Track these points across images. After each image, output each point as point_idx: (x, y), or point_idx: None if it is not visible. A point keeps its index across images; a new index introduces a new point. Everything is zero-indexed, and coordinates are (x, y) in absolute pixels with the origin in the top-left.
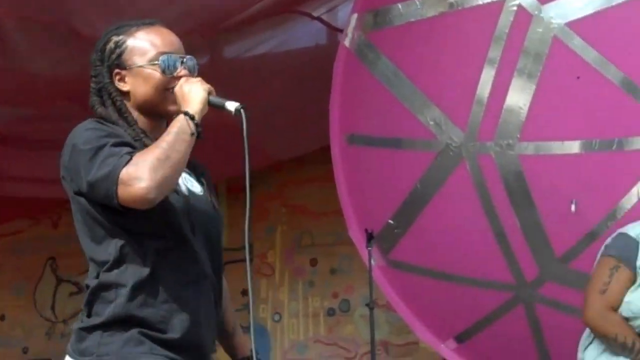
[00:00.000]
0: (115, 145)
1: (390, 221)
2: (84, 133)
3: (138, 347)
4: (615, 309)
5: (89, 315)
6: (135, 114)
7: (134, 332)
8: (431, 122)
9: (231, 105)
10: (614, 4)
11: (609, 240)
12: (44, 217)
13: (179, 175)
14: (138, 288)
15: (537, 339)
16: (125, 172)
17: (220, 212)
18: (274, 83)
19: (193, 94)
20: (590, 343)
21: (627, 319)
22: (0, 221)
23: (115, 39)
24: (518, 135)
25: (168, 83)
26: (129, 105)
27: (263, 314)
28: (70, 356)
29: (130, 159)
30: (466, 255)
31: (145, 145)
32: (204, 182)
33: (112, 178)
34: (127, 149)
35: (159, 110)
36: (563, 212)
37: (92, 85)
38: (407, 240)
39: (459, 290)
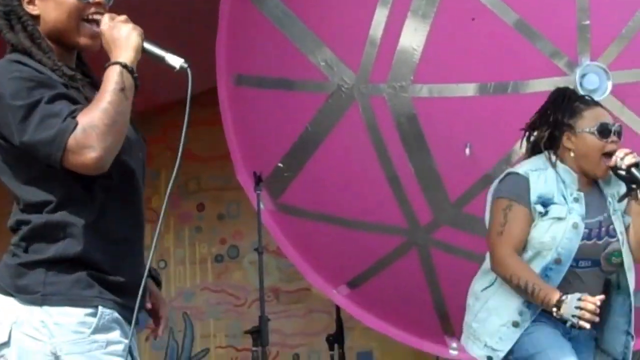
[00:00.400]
0: (50, 101)
1: (280, 164)
2: (9, 83)
3: (87, 289)
4: (516, 248)
5: (26, 251)
6: (48, 41)
7: (82, 273)
8: (322, 63)
9: (174, 60)
10: None
11: (497, 182)
12: None
13: (122, 136)
14: (88, 228)
15: (431, 283)
16: (74, 140)
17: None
18: (157, 21)
19: (125, 39)
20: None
21: (537, 253)
22: None
23: None
24: (411, 77)
25: (83, 10)
26: (40, 28)
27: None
28: (3, 292)
29: (74, 122)
30: (358, 200)
31: (65, 76)
32: None
33: (58, 144)
34: (65, 107)
35: (70, 41)
36: (457, 156)
37: None
38: (297, 184)
39: (351, 235)
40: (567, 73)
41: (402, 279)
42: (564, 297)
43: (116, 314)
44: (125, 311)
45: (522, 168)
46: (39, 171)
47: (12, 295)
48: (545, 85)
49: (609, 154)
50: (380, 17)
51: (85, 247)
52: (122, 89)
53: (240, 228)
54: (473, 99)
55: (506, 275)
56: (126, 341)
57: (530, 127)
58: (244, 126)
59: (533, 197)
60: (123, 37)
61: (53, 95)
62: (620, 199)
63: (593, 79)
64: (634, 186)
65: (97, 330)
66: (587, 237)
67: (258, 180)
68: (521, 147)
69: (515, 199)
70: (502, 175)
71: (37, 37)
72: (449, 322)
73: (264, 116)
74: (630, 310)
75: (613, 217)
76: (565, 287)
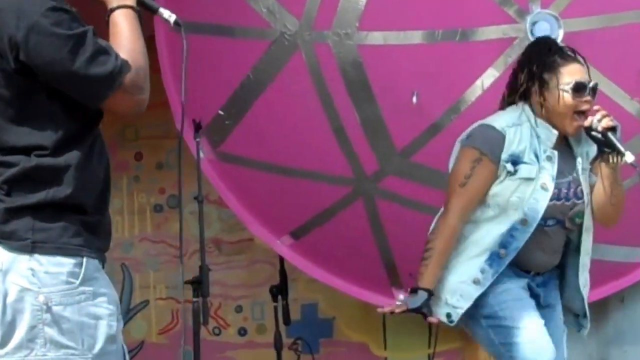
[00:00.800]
0: (95, 35)
1: (220, 112)
2: (48, 13)
3: (76, 238)
4: (472, 204)
5: (9, 195)
6: None
7: (69, 219)
8: (264, 10)
9: (167, 15)
10: None
11: (471, 129)
12: None
13: None
14: (79, 170)
15: (378, 234)
16: (130, 80)
17: None
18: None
19: None
20: None
21: (502, 212)
22: None
23: None
24: (357, 24)
25: None
26: None
27: None
28: None
29: (123, 61)
30: (302, 148)
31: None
32: None
33: (112, 82)
34: (108, 45)
35: None
36: (404, 105)
37: None
38: (238, 132)
39: (295, 184)
40: (518, 21)
41: (348, 229)
42: (422, 290)
43: (97, 262)
44: (102, 254)
45: (498, 122)
46: (38, 109)
47: None
48: (494, 32)
49: (581, 112)
50: None
51: (75, 190)
52: (137, 27)
53: (180, 177)
54: (420, 46)
55: (436, 228)
56: (108, 290)
57: (512, 76)
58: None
59: (505, 155)
60: None
61: (93, 30)
62: (592, 162)
63: (544, 27)
64: (606, 150)
65: (84, 281)
66: (557, 197)
67: (197, 128)
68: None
69: (488, 154)
70: (476, 125)
71: None
72: (396, 274)
73: (204, 63)
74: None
75: (581, 178)
76: (533, 243)
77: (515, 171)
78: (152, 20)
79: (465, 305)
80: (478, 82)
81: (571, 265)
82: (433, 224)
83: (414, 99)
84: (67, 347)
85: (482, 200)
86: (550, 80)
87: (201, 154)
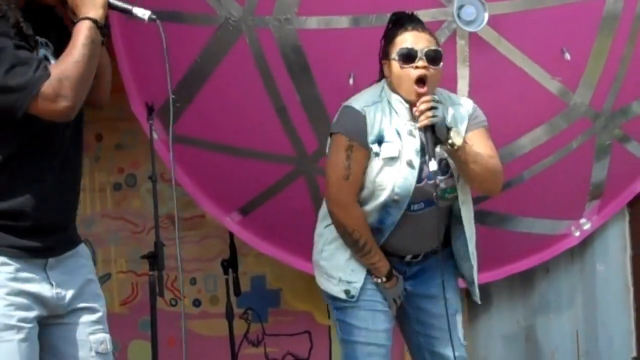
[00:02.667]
0: (15, 49)
1: (173, 96)
2: None
3: None
4: (359, 186)
5: None
6: None
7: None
8: None
9: (142, 13)
10: None
11: (338, 113)
12: None
13: (88, 87)
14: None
15: (319, 209)
16: (50, 88)
17: None
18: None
19: None
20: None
21: (372, 193)
22: None
23: None
24: (296, 10)
25: None
26: None
27: None
28: None
29: (47, 73)
30: (248, 129)
31: (10, 35)
32: None
33: (30, 91)
34: (34, 56)
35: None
36: (342, 86)
37: None
38: (188, 115)
39: (242, 163)
40: (445, 5)
41: (291, 205)
42: (395, 274)
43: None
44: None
45: (358, 101)
46: None
47: None
48: (423, 16)
49: (420, 80)
50: None
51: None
52: (93, 42)
53: (137, 158)
54: (355, 30)
55: (348, 228)
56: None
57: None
58: (136, 58)
59: (370, 137)
60: None
61: (16, 44)
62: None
63: (470, 11)
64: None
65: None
66: (419, 179)
67: (150, 110)
68: None
69: (356, 140)
70: (340, 108)
71: None
72: None
73: (155, 49)
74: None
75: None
76: (401, 229)
77: (380, 151)
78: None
79: (359, 278)
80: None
81: (458, 237)
82: (322, 212)
83: (351, 81)
84: None
85: None
86: (390, 52)
87: (155, 135)
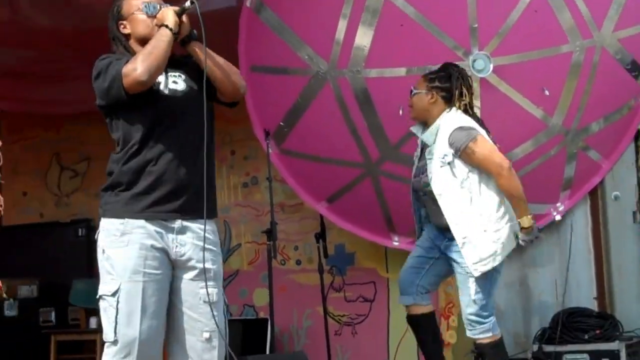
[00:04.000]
0: (117, 59)
1: (281, 123)
2: (96, 64)
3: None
4: None
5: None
6: (137, 49)
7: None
8: (306, 57)
9: (186, 3)
10: None
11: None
12: (50, 126)
13: (163, 63)
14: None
15: (380, 199)
16: (125, 68)
17: None
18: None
19: (165, 14)
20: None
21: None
22: (23, 129)
23: (117, 3)
24: (363, 64)
25: (151, 21)
26: (131, 42)
27: None
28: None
29: (127, 61)
30: (332, 145)
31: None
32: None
33: (118, 76)
34: (125, 59)
35: (148, 38)
36: (394, 115)
37: (109, 36)
38: (292, 136)
39: (327, 168)
40: (464, 59)
41: (361, 197)
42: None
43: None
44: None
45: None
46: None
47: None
48: None
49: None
50: (342, 26)
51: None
52: (160, 36)
53: (258, 165)
54: (404, 78)
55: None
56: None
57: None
58: (257, 99)
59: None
60: (163, 14)
61: (119, 58)
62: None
63: (481, 63)
64: None
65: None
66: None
67: (267, 134)
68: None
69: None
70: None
71: (128, 47)
72: (392, 224)
73: (270, 91)
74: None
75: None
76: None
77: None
78: (237, 64)
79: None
80: None
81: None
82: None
83: (400, 112)
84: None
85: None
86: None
87: (270, 150)
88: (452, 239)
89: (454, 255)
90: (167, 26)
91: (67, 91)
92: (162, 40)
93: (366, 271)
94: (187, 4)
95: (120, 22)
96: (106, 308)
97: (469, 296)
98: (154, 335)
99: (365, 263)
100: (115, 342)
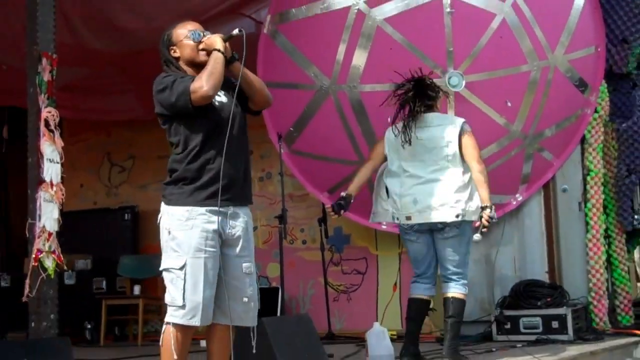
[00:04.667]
0: (181, 78)
1: (291, 128)
2: (159, 79)
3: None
4: None
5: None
6: (186, 69)
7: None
8: (312, 74)
9: (234, 31)
10: (411, 6)
11: (463, 122)
12: (102, 130)
13: (221, 81)
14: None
15: (371, 191)
16: (192, 85)
17: None
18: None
19: (214, 40)
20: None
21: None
22: (78, 133)
23: (167, 32)
24: (359, 80)
25: (197, 46)
26: (181, 64)
27: None
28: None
29: (192, 80)
30: (332, 147)
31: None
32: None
33: (186, 91)
34: (188, 78)
35: (197, 62)
36: (384, 122)
37: (162, 60)
38: (301, 139)
39: (329, 165)
40: (441, 77)
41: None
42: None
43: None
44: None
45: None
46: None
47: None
48: None
49: None
50: (342, 49)
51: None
52: (215, 59)
53: (272, 163)
54: (391, 91)
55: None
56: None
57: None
58: (272, 109)
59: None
60: (212, 40)
61: (180, 77)
62: None
63: (455, 79)
64: None
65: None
66: None
67: (279, 137)
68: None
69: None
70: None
71: (179, 69)
72: None
73: (282, 103)
74: None
75: None
76: None
77: None
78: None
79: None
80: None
81: None
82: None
83: (389, 119)
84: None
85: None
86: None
87: (282, 150)
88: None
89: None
90: (219, 50)
91: (114, 102)
92: (218, 63)
93: (359, 249)
94: (236, 31)
95: (171, 47)
96: (173, 279)
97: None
98: (210, 301)
99: (359, 242)
100: (183, 306)
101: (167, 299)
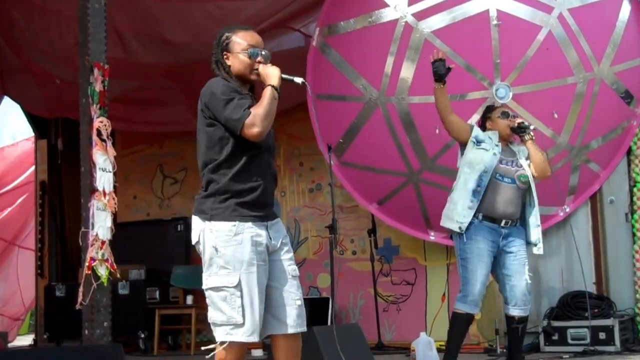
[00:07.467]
0: (240, 99)
1: (341, 140)
2: (220, 86)
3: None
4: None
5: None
6: (234, 78)
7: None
8: (361, 87)
9: (298, 80)
10: (458, 19)
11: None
12: (154, 142)
13: (272, 120)
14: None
15: (420, 202)
16: (248, 120)
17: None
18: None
19: (273, 73)
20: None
21: (472, 168)
22: (131, 145)
23: (227, 34)
24: (407, 92)
25: (252, 64)
26: (230, 70)
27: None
28: (195, 214)
29: (249, 112)
30: (381, 158)
31: (240, 92)
32: None
33: (240, 122)
34: (247, 103)
35: (246, 79)
36: (432, 134)
37: (213, 58)
38: (350, 150)
39: (378, 177)
40: (489, 88)
41: (405, 200)
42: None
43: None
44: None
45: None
46: (222, 143)
47: (198, 216)
48: (477, 95)
49: (516, 129)
50: (390, 61)
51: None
52: (271, 98)
53: (322, 174)
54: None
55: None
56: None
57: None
58: (322, 120)
59: (472, 134)
60: (271, 72)
61: (241, 97)
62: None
63: (502, 91)
64: (520, 134)
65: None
66: (505, 163)
67: (329, 148)
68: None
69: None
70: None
71: (230, 74)
72: (429, 222)
73: (331, 115)
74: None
75: (520, 161)
76: (491, 193)
77: (479, 145)
78: (303, 95)
79: (466, 221)
80: (469, 122)
81: (528, 212)
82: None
83: (437, 131)
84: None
85: (461, 168)
86: (492, 117)
87: (332, 162)
88: (514, 226)
89: (524, 239)
90: (273, 86)
91: (165, 114)
92: (274, 103)
93: (408, 260)
94: (298, 80)
95: (225, 53)
96: (227, 297)
97: (529, 274)
98: (263, 313)
99: (408, 253)
100: (243, 325)
101: (219, 317)
